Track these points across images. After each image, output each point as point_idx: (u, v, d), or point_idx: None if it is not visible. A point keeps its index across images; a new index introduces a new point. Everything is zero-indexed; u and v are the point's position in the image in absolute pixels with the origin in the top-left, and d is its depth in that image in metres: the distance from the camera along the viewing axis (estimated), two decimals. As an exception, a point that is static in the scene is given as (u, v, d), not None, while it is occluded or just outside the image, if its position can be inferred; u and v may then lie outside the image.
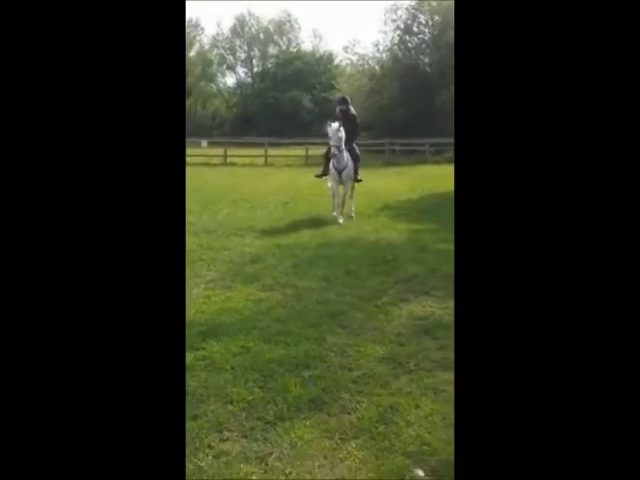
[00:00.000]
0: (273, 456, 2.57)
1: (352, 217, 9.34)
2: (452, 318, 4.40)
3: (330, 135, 8.97)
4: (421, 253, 6.72)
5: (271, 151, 25.16)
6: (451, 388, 3.20)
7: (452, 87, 26.66)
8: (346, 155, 9.03)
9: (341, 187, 9.27)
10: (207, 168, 20.32)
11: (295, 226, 8.58)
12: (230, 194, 12.56)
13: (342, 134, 8.85)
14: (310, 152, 24.11)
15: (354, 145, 9.48)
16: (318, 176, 10.00)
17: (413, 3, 30.53)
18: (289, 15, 49.57)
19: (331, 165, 9.12)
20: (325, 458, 2.56)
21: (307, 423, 2.83)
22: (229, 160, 23.57)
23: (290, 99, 41.88)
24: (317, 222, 8.95)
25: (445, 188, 13.46)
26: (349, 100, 9.95)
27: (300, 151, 25.12)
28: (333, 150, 8.89)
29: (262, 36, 48.50)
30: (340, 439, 2.70)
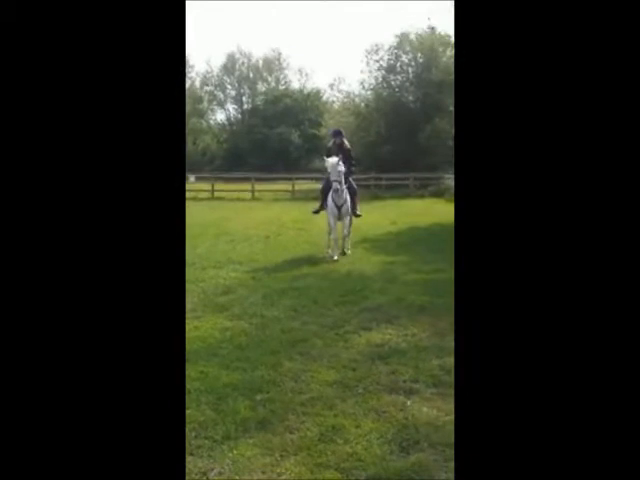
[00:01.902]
0: (214, 471, 2.74)
1: (347, 254, 9.07)
2: (407, 345, 4.61)
3: (329, 170, 8.71)
4: (389, 284, 6.95)
5: (258, 186, 25.48)
6: (392, 409, 3.39)
7: (435, 122, 27.36)
8: (345, 190, 8.77)
9: (339, 223, 8.94)
10: (194, 203, 20.50)
11: (278, 261, 8.73)
12: (213, 228, 12.77)
13: (342, 168, 8.60)
14: (296, 187, 24.54)
15: (350, 179, 9.23)
16: (315, 212, 9.72)
17: (394, 43, 31.18)
18: (279, 53, 50.49)
19: (330, 200, 8.80)
20: (263, 473, 2.73)
21: (251, 442, 3.00)
22: (216, 195, 23.89)
23: (279, 135, 42.52)
24: (306, 260, 8.73)
25: (425, 222, 13.82)
26: (344, 133, 9.80)
27: (287, 186, 25.49)
28: (335, 185, 8.56)
29: (251, 74, 49.38)
30: (280, 456, 2.87)
